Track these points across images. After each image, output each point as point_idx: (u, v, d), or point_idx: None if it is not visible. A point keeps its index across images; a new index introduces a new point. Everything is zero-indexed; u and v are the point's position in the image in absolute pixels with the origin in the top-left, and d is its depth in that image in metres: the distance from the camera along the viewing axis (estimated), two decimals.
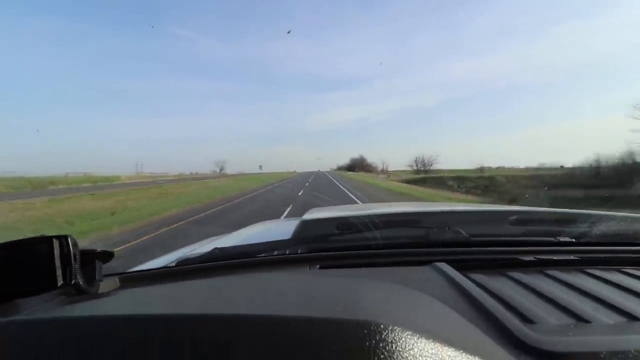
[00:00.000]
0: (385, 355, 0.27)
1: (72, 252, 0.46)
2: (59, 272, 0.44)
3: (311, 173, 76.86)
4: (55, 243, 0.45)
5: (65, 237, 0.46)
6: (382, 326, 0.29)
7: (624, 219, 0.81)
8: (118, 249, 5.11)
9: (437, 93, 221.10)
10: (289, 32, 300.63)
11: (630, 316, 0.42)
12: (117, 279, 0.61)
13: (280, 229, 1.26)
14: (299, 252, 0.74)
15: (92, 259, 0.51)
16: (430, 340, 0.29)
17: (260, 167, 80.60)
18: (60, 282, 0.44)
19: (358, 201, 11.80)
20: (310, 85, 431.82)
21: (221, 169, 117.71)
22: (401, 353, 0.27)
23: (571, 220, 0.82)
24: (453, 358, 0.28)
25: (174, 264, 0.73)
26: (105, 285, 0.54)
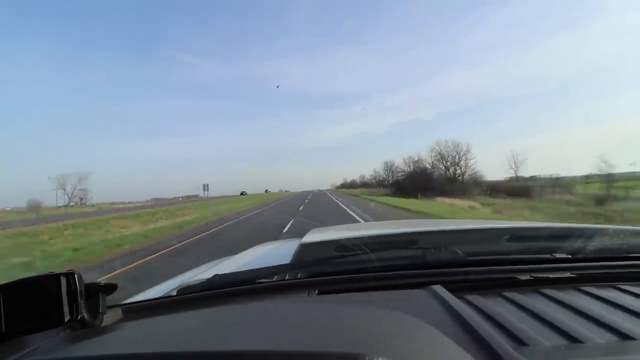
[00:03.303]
0: None
1: (78, 288, 0.48)
2: (66, 308, 0.46)
3: (307, 193, 60.14)
4: (63, 280, 0.47)
5: (72, 273, 0.49)
6: (367, 358, 0.31)
7: (618, 232, 0.82)
8: None
9: (436, 106, 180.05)
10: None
11: (622, 335, 0.43)
12: (120, 311, 0.63)
13: (280, 251, 1.30)
14: (298, 276, 0.77)
15: (96, 292, 0.53)
16: None
17: (206, 187, 30.28)
18: (67, 318, 0.46)
19: None
20: (302, 103, 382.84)
21: (80, 199, 60.46)
22: None
23: (566, 235, 0.84)
24: None
25: (174, 293, 0.75)
26: (108, 317, 0.57)
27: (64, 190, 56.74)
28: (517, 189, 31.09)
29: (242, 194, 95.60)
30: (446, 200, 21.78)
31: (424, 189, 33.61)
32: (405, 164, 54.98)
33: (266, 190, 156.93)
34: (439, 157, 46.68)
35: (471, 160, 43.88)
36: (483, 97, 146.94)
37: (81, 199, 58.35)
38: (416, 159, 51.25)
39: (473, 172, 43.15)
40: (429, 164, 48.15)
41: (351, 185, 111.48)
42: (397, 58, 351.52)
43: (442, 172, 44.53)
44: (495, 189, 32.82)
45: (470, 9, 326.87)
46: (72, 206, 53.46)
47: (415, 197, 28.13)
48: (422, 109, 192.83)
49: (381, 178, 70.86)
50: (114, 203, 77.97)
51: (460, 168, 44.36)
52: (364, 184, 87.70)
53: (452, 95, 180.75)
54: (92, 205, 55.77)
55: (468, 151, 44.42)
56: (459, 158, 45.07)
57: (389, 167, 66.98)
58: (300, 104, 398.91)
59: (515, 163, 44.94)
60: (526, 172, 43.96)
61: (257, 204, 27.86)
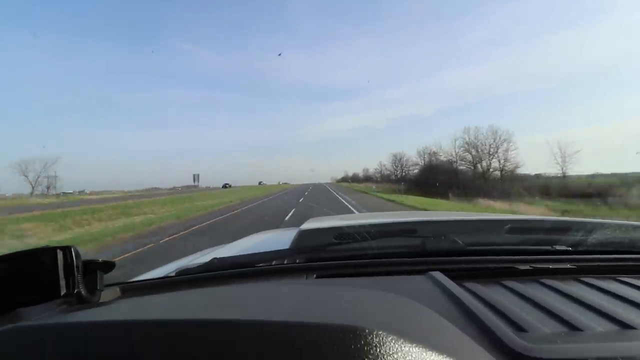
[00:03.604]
0: (370, 358, 0.28)
1: (75, 262, 0.49)
2: (62, 282, 0.47)
3: (306, 186, 52.80)
4: (59, 254, 0.48)
5: (69, 247, 0.49)
6: (367, 330, 0.31)
7: (619, 226, 0.82)
8: None
9: (436, 101, 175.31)
10: (279, 55, 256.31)
11: (621, 324, 0.43)
12: (117, 289, 0.64)
13: (279, 238, 1.27)
14: (296, 261, 0.77)
15: (94, 269, 0.53)
16: (414, 345, 0.30)
17: (196, 177, 25.88)
18: (63, 292, 0.46)
19: None
20: (303, 96, 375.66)
21: (47, 188, 51.82)
22: (385, 356, 0.29)
23: (567, 228, 0.84)
24: None
25: (173, 274, 0.75)
26: (106, 295, 0.57)
27: (26, 177, 49.69)
28: (582, 190, 21.61)
29: (224, 186, 71.81)
30: (493, 203, 16.35)
31: (447, 186, 27.08)
32: (419, 156, 46.89)
33: (260, 182, 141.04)
34: (466, 147, 36.59)
35: (512, 152, 33.61)
36: (483, 94, 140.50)
37: (48, 187, 51.75)
38: (433, 150, 42.83)
39: (514, 165, 32.89)
40: (452, 155, 38.04)
41: (353, 179, 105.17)
42: (398, 53, 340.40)
43: (469, 166, 35.94)
44: (547, 189, 24.76)
45: (471, 5, 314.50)
46: (39, 195, 47.37)
47: (441, 196, 22.58)
48: (423, 104, 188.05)
49: (388, 172, 63.88)
50: (95, 192, 72.61)
51: (499, 161, 33.66)
52: (367, 178, 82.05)
53: (452, 91, 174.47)
54: (60, 195, 50.08)
55: (508, 140, 34.19)
56: (497, 148, 34.15)
57: (397, 159, 59.78)
58: (301, 96, 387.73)
59: (562, 157, 33.29)
60: (532, 170, 36.79)
61: (242, 199, 22.68)
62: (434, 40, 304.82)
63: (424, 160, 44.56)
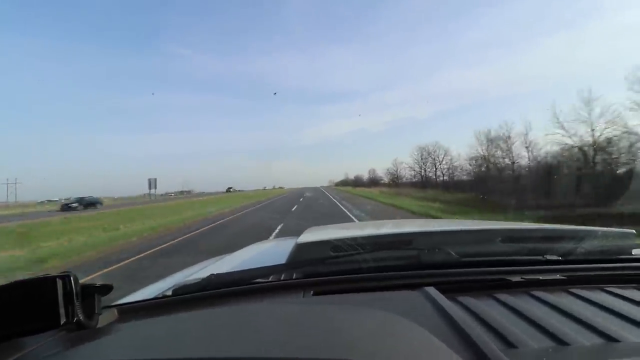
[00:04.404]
0: None
1: (74, 290, 0.49)
2: (61, 311, 0.47)
3: (301, 191, 45.68)
4: (59, 282, 0.48)
5: (68, 275, 0.49)
6: None
7: (607, 235, 0.84)
8: None
9: (435, 104, 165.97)
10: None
11: (608, 337, 0.44)
12: (115, 311, 0.63)
13: (277, 249, 1.29)
14: (294, 276, 0.78)
15: (92, 293, 0.54)
16: None
17: (152, 183, 18.84)
18: (62, 321, 0.47)
19: None
20: (300, 100, 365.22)
21: None
22: None
23: (558, 237, 0.87)
24: None
25: (170, 292, 0.74)
26: (104, 318, 0.57)
27: None
28: None
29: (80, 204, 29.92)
30: None
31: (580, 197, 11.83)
32: (480, 144, 26.83)
33: (229, 189, 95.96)
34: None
35: None
36: (481, 95, 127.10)
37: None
38: (500, 134, 23.93)
39: None
40: (578, 146, 16.41)
41: (356, 182, 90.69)
42: (396, 55, 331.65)
43: (614, 158, 15.25)
44: None
45: (469, 8, 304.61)
46: None
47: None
48: (421, 107, 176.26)
49: (413, 172, 47.12)
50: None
51: None
52: (374, 181, 68.25)
53: (451, 93, 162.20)
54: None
55: None
56: None
57: (426, 155, 42.64)
58: (298, 100, 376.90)
59: None
60: None
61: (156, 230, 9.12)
62: (432, 43, 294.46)
63: (485, 152, 26.72)
